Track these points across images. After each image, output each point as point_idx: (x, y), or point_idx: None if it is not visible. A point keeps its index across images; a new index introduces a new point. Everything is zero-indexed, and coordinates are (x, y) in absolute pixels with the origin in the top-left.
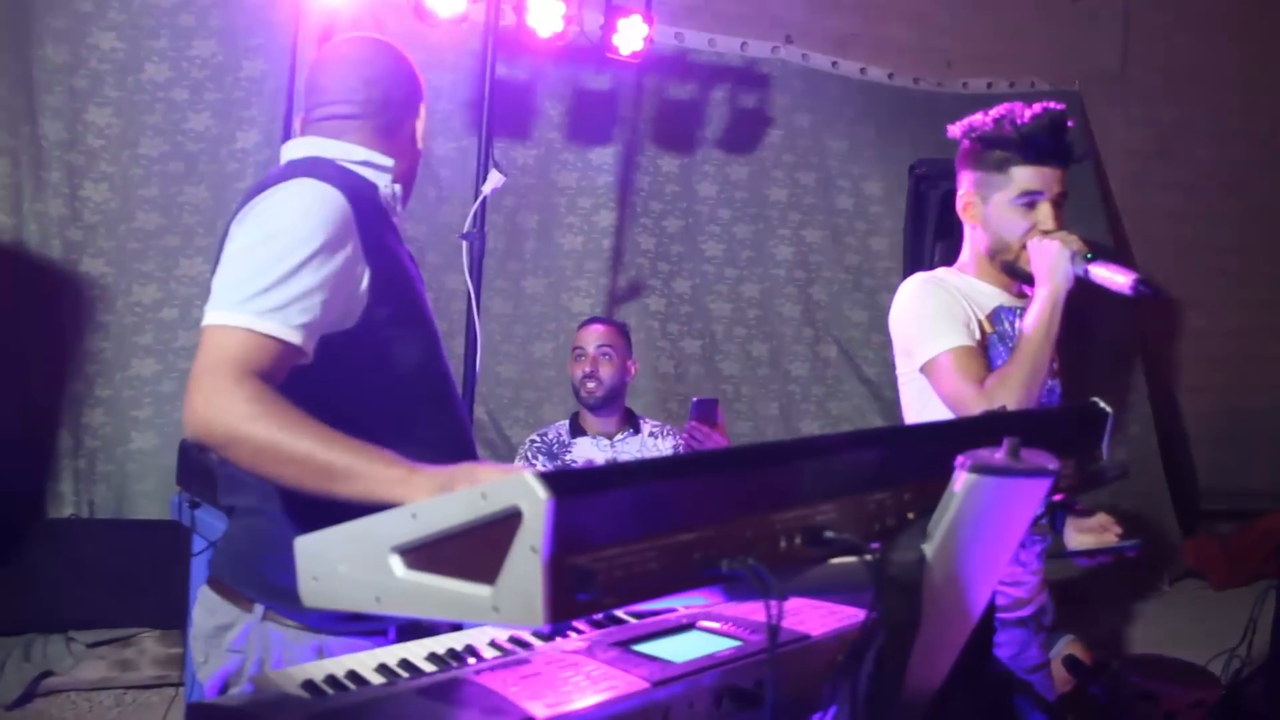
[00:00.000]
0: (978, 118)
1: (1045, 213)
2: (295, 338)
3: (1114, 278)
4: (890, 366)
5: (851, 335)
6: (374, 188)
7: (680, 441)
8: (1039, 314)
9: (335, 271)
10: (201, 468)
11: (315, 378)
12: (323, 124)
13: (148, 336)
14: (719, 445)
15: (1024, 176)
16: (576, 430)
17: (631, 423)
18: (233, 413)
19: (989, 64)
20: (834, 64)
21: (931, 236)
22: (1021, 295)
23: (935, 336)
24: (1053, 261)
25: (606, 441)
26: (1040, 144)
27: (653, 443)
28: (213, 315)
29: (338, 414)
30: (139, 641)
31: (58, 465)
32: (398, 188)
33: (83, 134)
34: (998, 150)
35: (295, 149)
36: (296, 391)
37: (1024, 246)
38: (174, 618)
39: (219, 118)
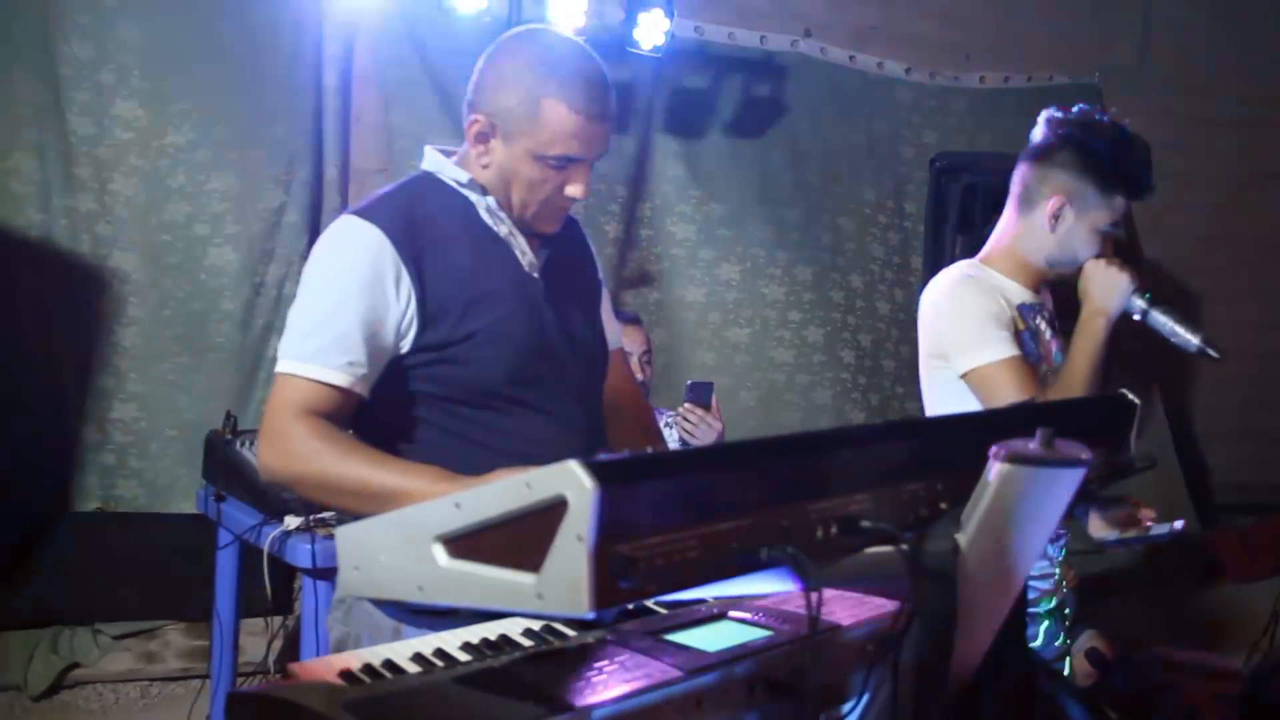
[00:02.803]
0: (1089, 120)
1: (1110, 247)
2: (339, 379)
3: (1178, 330)
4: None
5: (878, 327)
6: (469, 204)
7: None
8: (1095, 337)
9: (370, 308)
10: (228, 461)
11: (381, 400)
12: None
13: (179, 329)
14: (712, 428)
15: (1120, 208)
16: None
17: None
18: (289, 455)
19: (1007, 57)
20: (851, 58)
21: (953, 230)
22: (1037, 292)
23: (985, 344)
24: (1116, 291)
25: None
26: (1147, 184)
27: (668, 433)
28: (278, 364)
29: (403, 433)
30: (164, 634)
31: (85, 459)
32: (490, 200)
33: (110, 128)
34: (1111, 172)
35: (425, 157)
36: (370, 413)
37: (1081, 266)
38: (199, 610)
39: (247, 107)
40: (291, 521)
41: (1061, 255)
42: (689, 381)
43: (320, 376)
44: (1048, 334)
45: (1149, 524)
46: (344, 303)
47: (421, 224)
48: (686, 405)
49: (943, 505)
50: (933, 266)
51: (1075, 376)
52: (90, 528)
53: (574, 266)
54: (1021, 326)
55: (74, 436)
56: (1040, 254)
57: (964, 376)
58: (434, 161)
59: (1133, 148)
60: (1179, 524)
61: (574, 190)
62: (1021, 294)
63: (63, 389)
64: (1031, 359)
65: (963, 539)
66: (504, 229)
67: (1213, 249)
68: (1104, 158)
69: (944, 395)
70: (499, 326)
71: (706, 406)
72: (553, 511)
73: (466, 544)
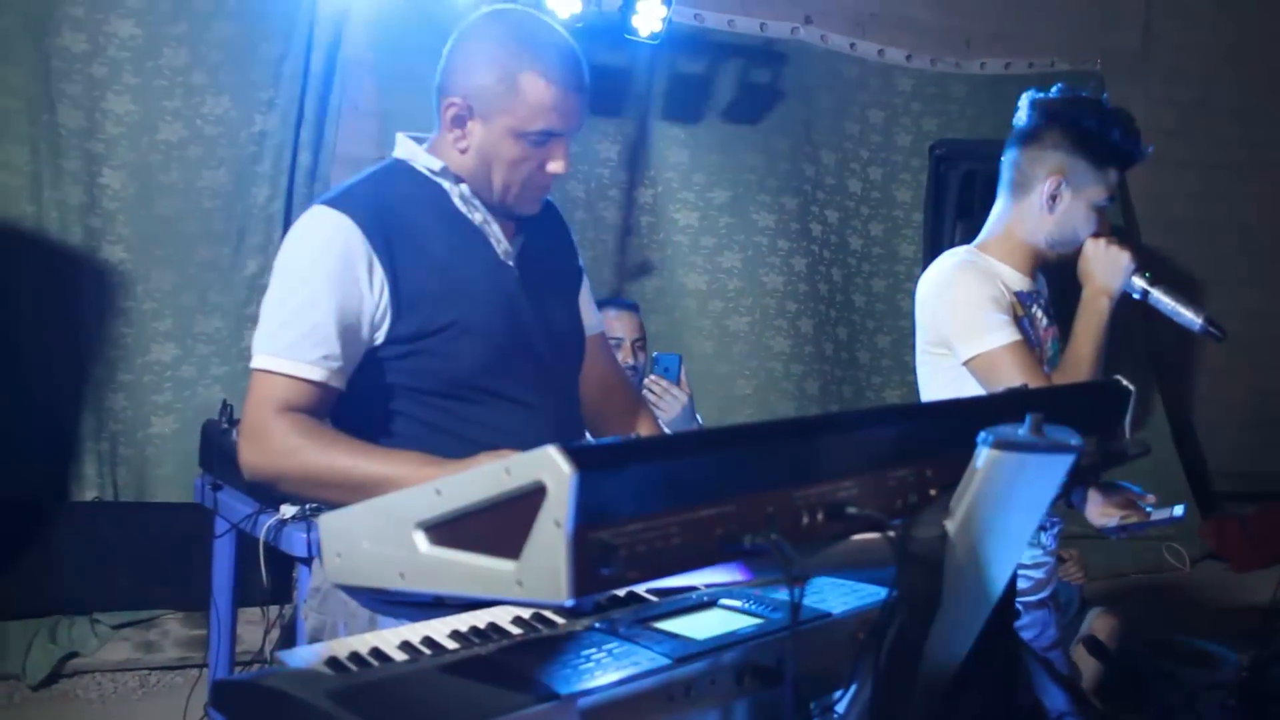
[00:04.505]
0: (1077, 99)
1: (1107, 224)
2: (314, 374)
3: (1180, 309)
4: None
5: (852, 320)
6: (442, 192)
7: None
8: (1099, 317)
9: (343, 300)
10: (224, 450)
11: (358, 393)
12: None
13: (167, 322)
14: (678, 400)
15: (1113, 181)
16: None
17: None
18: (270, 452)
19: (1009, 43)
20: (852, 45)
21: (952, 216)
22: (1034, 279)
23: (988, 330)
24: (1117, 270)
25: None
26: (1137, 153)
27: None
28: (253, 359)
29: (381, 426)
30: (162, 623)
31: (81, 449)
32: (463, 188)
33: (101, 121)
34: (1103, 146)
35: (396, 145)
36: (347, 407)
37: (1079, 245)
38: (197, 600)
39: (238, 101)
40: (288, 510)
41: (1061, 235)
42: (655, 354)
43: (295, 372)
44: (1044, 322)
45: (1149, 510)
46: (316, 295)
47: (394, 213)
48: (652, 377)
49: (932, 492)
50: (931, 254)
51: (1080, 358)
52: (88, 517)
53: (550, 253)
54: (1020, 313)
55: (69, 427)
56: (1040, 236)
57: (968, 363)
58: (406, 149)
59: (1119, 119)
60: (1179, 510)
61: (555, 166)
62: (1019, 280)
63: (58, 380)
64: (1032, 345)
65: (951, 525)
66: (478, 217)
67: (1214, 236)
68: (1094, 132)
69: (941, 384)
70: (474, 318)
71: (674, 379)
72: (531, 498)
73: (447, 531)
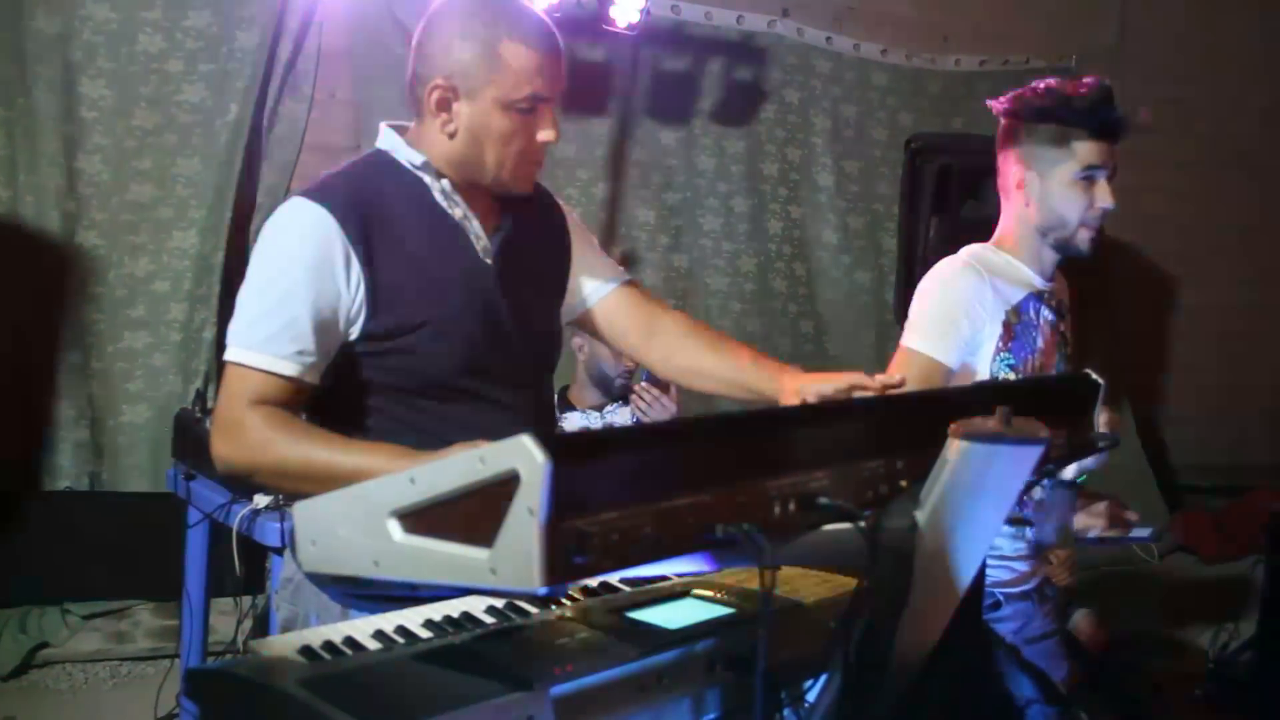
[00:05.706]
0: (1025, 91)
1: (1105, 189)
2: (288, 369)
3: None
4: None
5: (822, 313)
6: (423, 186)
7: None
8: None
9: (319, 294)
10: (198, 440)
11: (334, 389)
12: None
13: (140, 309)
14: (666, 409)
15: (1085, 151)
16: (565, 405)
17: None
18: (244, 446)
19: (986, 39)
20: (828, 39)
21: (927, 211)
22: (1053, 279)
23: (931, 336)
24: None
25: (596, 414)
26: (1103, 117)
27: (625, 410)
28: (227, 350)
29: (355, 422)
30: (134, 614)
31: (54, 437)
32: (444, 183)
33: (75, 106)
34: (1056, 124)
35: (380, 135)
36: (323, 403)
37: (1081, 224)
38: (169, 590)
39: (213, 89)
40: (261, 500)
41: (1048, 220)
42: None
43: (269, 366)
44: (1051, 318)
45: (1130, 526)
46: (293, 289)
47: (373, 207)
48: (643, 384)
49: (903, 483)
50: (907, 247)
51: None
52: (59, 506)
53: (535, 246)
54: (1015, 320)
55: (43, 415)
56: (1031, 226)
57: (901, 347)
58: (389, 140)
59: (1072, 94)
60: (1152, 529)
61: (545, 135)
62: (1033, 279)
63: (31, 367)
64: (1020, 356)
65: (921, 516)
66: (458, 212)
67: (1189, 232)
68: (1035, 113)
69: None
70: (449, 318)
71: (665, 388)
72: (505, 486)
73: (421, 519)
